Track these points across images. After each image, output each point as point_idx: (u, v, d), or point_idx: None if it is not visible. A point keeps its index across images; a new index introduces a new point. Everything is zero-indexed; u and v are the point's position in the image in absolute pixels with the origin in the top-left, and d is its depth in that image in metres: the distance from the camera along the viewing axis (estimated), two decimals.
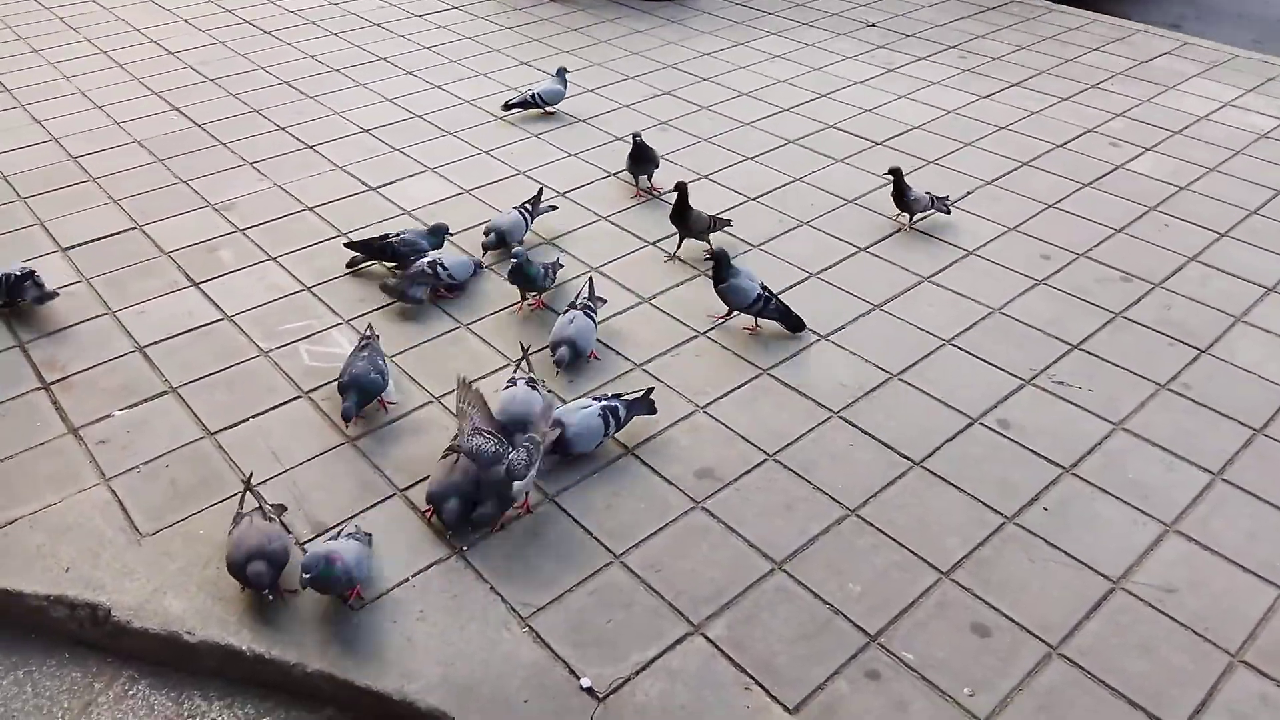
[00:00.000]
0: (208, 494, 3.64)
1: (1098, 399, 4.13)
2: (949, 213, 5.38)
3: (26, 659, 3.26)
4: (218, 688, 3.17)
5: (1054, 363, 4.35)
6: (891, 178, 5.22)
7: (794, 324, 4.46)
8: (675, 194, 4.92)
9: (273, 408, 4.06)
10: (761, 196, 5.69)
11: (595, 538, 3.47)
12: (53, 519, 3.53)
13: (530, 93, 6.60)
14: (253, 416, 4.01)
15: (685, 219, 4.94)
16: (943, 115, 6.74)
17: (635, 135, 5.55)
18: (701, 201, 5.56)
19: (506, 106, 6.65)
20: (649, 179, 5.66)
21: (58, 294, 4.60)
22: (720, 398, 4.11)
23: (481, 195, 5.66)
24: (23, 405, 4.05)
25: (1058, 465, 3.79)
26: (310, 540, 3.44)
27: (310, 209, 5.51)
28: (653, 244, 5.16)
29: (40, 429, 3.93)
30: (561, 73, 6.72)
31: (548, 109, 6.69)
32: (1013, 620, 3.18)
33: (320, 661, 3.08)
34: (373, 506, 3.59)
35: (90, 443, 3.86)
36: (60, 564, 3.36)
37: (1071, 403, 4.12)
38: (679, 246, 5.06)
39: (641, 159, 5.52)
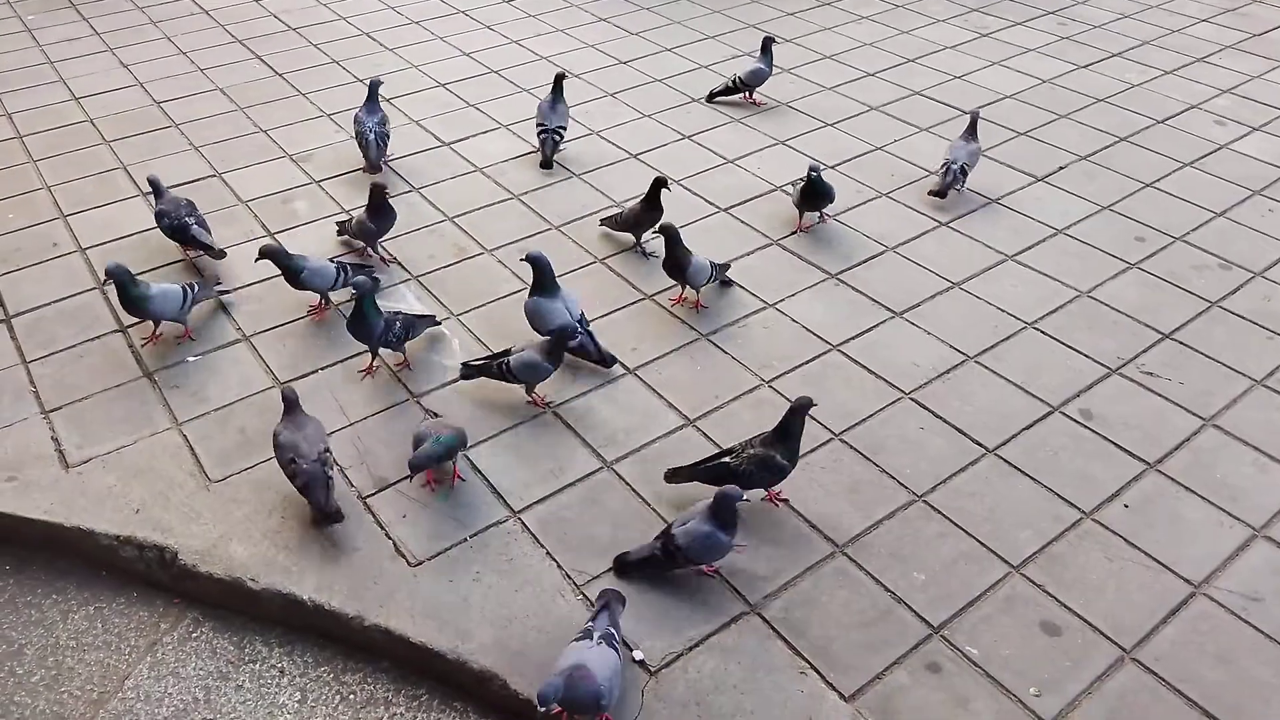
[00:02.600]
0: None
1: (1188, 392, 3.93)
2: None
3: (97, 595, 3.36)
4: (279, 634, 3.23)
5: (1143, 352, 4.14)
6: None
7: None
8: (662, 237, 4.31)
9: (339, 361, 4.08)
10: (840, 165, 5.51)
11: (653, 508, 3.42)
12: (125, 460, 3.61)
13: (735, 77, 6.12)
14: (321, 369, 4.05)
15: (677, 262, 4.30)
16: (1037, 85, 6.44)
17: (813, 170, 4.74)
18: (777, 168, 5.44)
19: (710, 97, 6.19)
20: (819, 214, 4.98)
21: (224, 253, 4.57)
22: (787, 372, 4.01)
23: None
24: (100, 346, 4.14)
25: (1142, 460, 3.61)
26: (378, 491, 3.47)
27: (385, 163, 5.50)
28: (726, 209, 5.04)
29: (117, 371, 4.01)
30: (766, 47, 6.02)
31: (751, 96, 6.16)
32: (1085, 620, 3.05)
33: (378, 616, 3.10)
34: None
35: (164, 387, 3.94)
36: (131, 505, 3.44)
37: (1160, 395, 3.92)
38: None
39: (815, 195, 4.80)
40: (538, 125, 5.44)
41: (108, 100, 6.15)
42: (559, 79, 5.40)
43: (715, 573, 3.20)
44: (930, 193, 5.15)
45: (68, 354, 4.11)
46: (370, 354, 4.01)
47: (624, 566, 3.20)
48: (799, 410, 3.26)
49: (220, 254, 4.57)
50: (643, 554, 3.17)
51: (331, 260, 4.37)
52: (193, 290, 4.13)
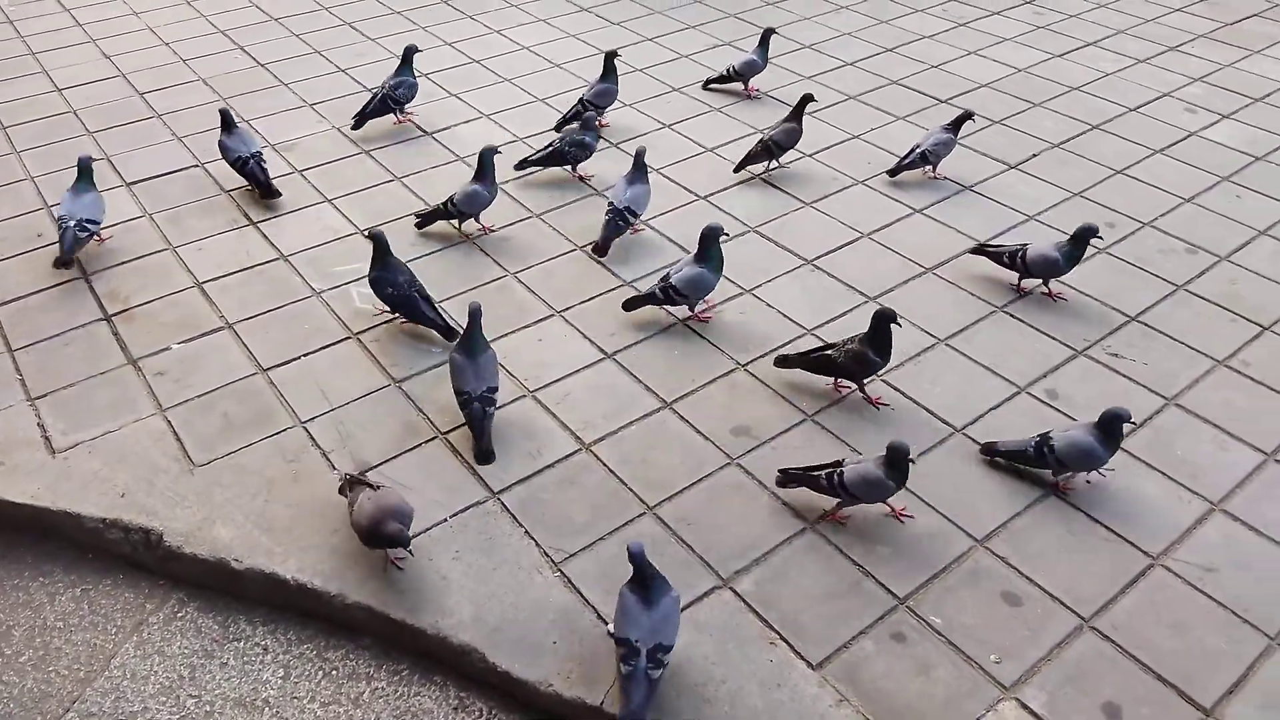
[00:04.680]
0: (259, 428, 3.75)
1: (1151, 373, 4.03)
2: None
3: (84, 578, 3.43)
4: (262, 614, 3.31)
5: (1109, 334, 4.24)
6: None
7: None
8: None
9: (323, 347, 4.15)
10: (818, 153, 5.59)
11: (630, 489, 3.51)
12: (111, 446, 3.67)
13: (729, 67, 6.17)
14: (303, 355, 4.11)
15: None
16: (1013, 73, 6.53)
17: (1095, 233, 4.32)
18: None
19: (706, 85, 6.27)
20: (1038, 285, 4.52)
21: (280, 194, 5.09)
22: (761, 356, 4.10)
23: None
24: (85, 335, 4.20)
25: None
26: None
27: (367, 152, 5.57)
28: (704, 196, 5.11)
29: (101, 359, 4.07)
30: (765, 39, 6.07)
31: (748, 89, 6.20)
32: (1046, 591, 3.15)
33: (359, 594, 3.18)
34: (415, 448, 3.67)
35: (148, 374, 4.00)
36: (116, 489, 3.50)
37: (1124, 375, 4.02)
38: None
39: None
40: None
41: (91, 91, 6.19)
42: (610, 57, 5.67)
43: (1069, 489, 3.48)
44: (888, 171, 5.34)
45: (53, 342, 4.16)
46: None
47: (991, 451, 3.55)
48: (883, 318, 3.71)
49: (276, 193, 5.07)
50: (1013, 447, 3.50)
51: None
52: None
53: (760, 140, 5.29)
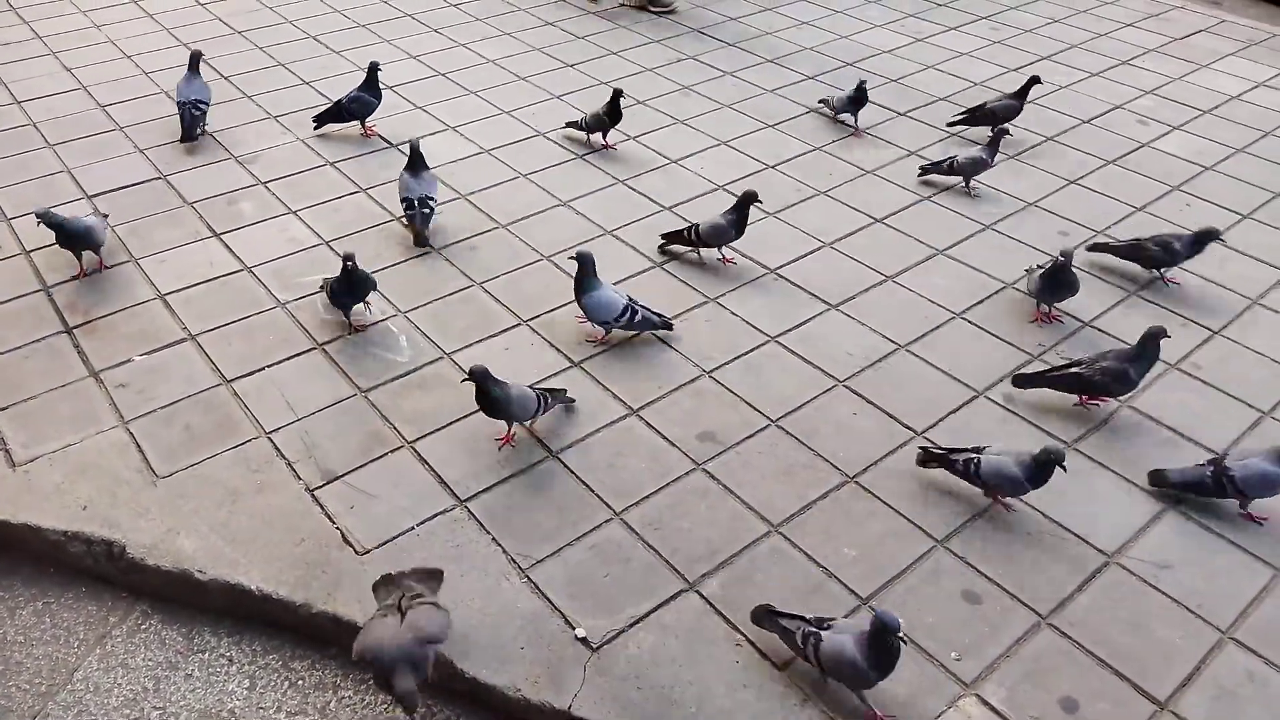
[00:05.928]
0: (222, 439, 3.73)
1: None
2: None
3: (45, 591, 3.39)
4: (227, 625, 3.29)
5: (1063, 340, 4.34)
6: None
7: (664, 324, 4.24)
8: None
9: (288, 358, 4.14)
10: (780, 165, 5.68)
11: (596, 494, 3.53)
12: (72, 458, 3.63)
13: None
14: (268, 366, 4.10)
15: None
16: (970, 87, 6.67)
17: (1063, 255, 4.28)
18: (724, 167, 5.59)
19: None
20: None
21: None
22: (727, 363, 4.15)
23: (501, 155, 5.69)
24: (46, 348, 4.16)
25: (1060, 440, 3.79)
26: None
27: (332, 164, 5.57)
28: (670, 207, 5.16)
29: (62, 371, 4.03)
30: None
31: (844, 118, 6.11)
32: (1004, 589, 3.22)
33: (326, 603, 3.17)
34: (381, 457, 3.67)
35: (110, 386, 3.97)
36: (78, 502, 3.47)
37: None
38: None
39: (1059, 285, 4.34)
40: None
41: (51, 104, 6.13)
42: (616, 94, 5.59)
43: (1264, 520, 3.49)
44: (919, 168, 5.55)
45: (14, 355, 4.11)
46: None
47: (1162, 481, 3.56)
48: (1155, 337, 3.79)
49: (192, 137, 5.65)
50: (1187, 477, 3.50)
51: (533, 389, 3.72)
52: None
53: (982, 104, 5.88)
